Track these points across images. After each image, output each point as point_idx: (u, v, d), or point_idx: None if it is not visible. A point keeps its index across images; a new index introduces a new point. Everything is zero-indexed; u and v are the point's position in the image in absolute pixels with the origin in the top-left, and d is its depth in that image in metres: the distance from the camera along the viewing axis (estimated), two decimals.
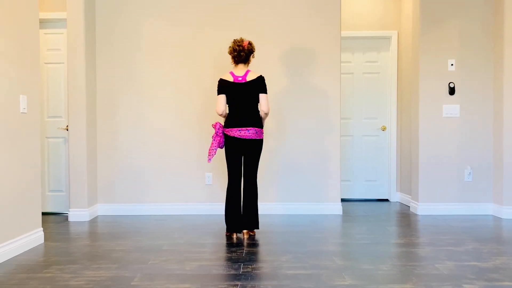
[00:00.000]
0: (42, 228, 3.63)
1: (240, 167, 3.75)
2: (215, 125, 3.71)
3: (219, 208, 4.75)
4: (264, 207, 4.74)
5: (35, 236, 3.48)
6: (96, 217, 4.64)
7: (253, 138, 3.67)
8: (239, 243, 3.54)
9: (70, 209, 4.48)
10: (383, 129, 5.69)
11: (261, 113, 3.73)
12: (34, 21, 3.49)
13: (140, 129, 4.77)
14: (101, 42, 4.75)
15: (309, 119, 4.74)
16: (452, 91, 4.69)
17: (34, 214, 3.49)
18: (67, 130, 4.62)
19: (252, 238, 3.70)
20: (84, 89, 4.44)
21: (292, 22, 4.73)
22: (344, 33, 5.54)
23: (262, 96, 3.67)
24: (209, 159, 3.72)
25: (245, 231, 3.73)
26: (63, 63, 4.74)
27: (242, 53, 3.69)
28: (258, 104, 3.72)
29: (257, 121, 3.70)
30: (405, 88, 5.45)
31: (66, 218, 4.59)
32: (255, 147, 3.72)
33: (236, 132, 3.66)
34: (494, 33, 4.67)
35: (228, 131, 3.69)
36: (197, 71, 4.76)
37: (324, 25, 4.72)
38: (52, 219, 4.54)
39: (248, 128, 3.65)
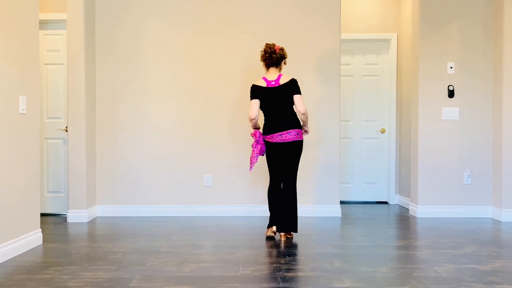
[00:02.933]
0: (40, 229, 3.63)
1: (282, 170, 3.76)
2: (255, 133, 3.73)
3: (218, 210, 4.75)
4: (264, 209, 4.73)
5: (33, 237, 3.47)
6: (95, 219, 4.63)
7: (295, 140, 3.68)
8: (238, 245, 3.54)
9: (69, 210, 4.47)
10: (383, 131, 5.69)
11: (299, 115, 3.72)
12: (34, 22, 3.49)
13: (139, 130, 4.77)
14: (101, 43, 4.75)
15: (309, 121, 4.74)
16: (451, 93, 4.70)
17: (33, 215, 3.49)
18: (67, 131, 4.62)
19: (290, 240, 3.68)
20: (83, 90, 4.44)
21: (291, 24, 4.73)
22: (344, 36, 5.54)
23: (296, 97, 3.65)
24: (251, 167, 3.74)
25: (282, 233, 3.72)
26: (62, 64, 4.74)
27: (273, 55, 3.70)
28: (294, 106, 3.71)
29: (297, 122, 3.70)
30: (405, 91, 5.46)
31: (65, 219, 4.59)
32: (296, 148, 3.71)
33: (278, 137, 3.67)
34: (493, 36, 4.68)
35: (269, 137, 3.71)
36: (198, 72, 4.76)
37: (324, 27, 4.72)
38: (51, 220, 4.53)
39: (289, 131, 3.66)
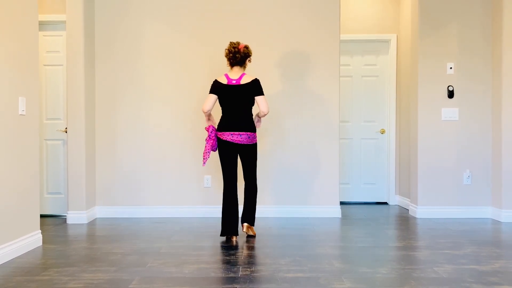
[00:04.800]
0: (40, 231, 3.62)
1: (234, 169, 3.75)
2: (208, 128, 3.72)
3: (218, 210, 4.74)
4: (263, 210, 4.73)
5: (33, 239, 3.47)
6: (94, 220, 4.62)
7: (245, 143, 3.68)
8: (237, 245, 3.54)
9: (68, 212, 4.47)
10: (382, 132, 5.69)
11: (261, 114, 3.72)
12: (33, 23, 3.49)
13: (139, 131, 4.77)
14: (101, 45, 4.75)
15: (308, 122, 4.74)
16: (451, 94, 4.70)
17: (32, 216, 3.48)
18: (66, 132, 4.62)
19: (250, 240, 3.69)
20: (83, 91, 4.44)
21: (291, 25, 4.74)
22: (343, 36, 5.54)
23: (259, 98, 3.67)
24: (204, 163, 3.73)
25: (245, 224, 3.77)
26: (62, 65, 4.74)
27: (237, 54, 3.69)
28: (252, 107, 3.72)
29: (250, 126, 3.70)
30: (404, 91, 5.46)
31: (65, 220, 4.58)
32: (249, 152, 3.74)
33: (228, 136, 3.66)
34: (493, 37, 4.69)
35: (220, 134, 3.70)
36: (197, 75, 4.76)
37: (323, 28, 4.73)
38: (50, 222, 4.52)
39: (240, 133, 3.65)
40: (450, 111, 4.72)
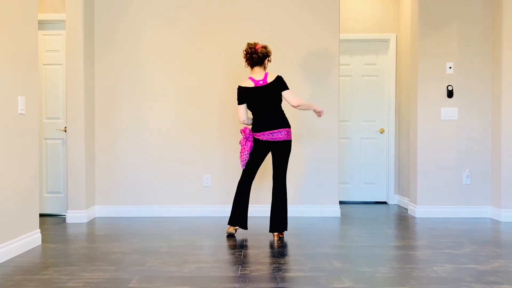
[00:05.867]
0: (39, 230, 3.62)
1: (258, 166, 3.83)
2: (244, 130, 3.76)
3: (218, 210, 4.74)
4: (262, 209, 4.73)
5: (32, 238, 3.47)
6: (94, 219, 4.62)
7: (284, 139, 3.70)
8: (237, 245, 3.54)
9: (68, 211, 4.47)
10: (382, 131, 5.70)
11: (294, 109, 3.72)
12: (33, 22, 3.49)
13: (138, 130, 4.77)
14: (100, 44, 4.75)
15: (308, 121, 4.74)
16: (450, 94, 4.70)
17: (31, 215, 3.48)
18: (65, 131, 4.61)
19: (282, 240, 3.68)
20: (82, 91, 4.43)
21: (291, 25, 4.74)
22: (343, 36, 5.54)
23: (286, 93, 3.70)
24: (243, 165, 3.77)
25: (275, 233, 3.73)
26: (61, 64, 4.74)
27: (254, 55, 3.71)
28: (281, 103, 3.76)
29: (286, 122, 3.74)
30: (404, 91, 5.46)
31: (64, 219, 4.58)
32: (285, 148, 3.74)
33: (269, 136, 3.69)
34: (492, 36, 4.69)
35: (259, 135, 3.72)
36: (197, 74, 4.76)
37: (323, 28, 4.73)
38: (50, 221, 4.52)
39: (280, 130, 3.68)
40: (449, 110, 4.72)
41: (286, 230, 3.77)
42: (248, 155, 3.76)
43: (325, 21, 4.72)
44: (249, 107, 3.77)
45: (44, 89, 4.75)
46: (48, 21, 4.69)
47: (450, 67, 4.71)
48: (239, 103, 3.76)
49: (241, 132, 3.82)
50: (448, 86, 4.72)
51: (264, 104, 3.70)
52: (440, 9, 4.70)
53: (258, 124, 3.73)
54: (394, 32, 5.63)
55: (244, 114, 3.77)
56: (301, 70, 4.73)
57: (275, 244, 3.56)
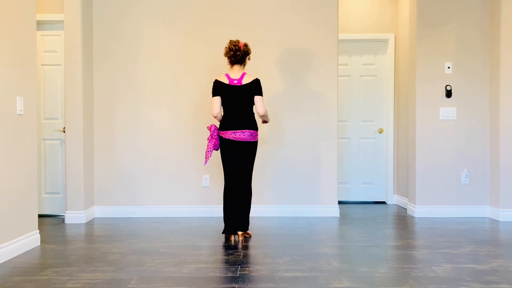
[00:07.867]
0: (38, 231, 3.61)
1: (236, 168, 3.75)
2: (210, 127, 3.73)
3: (216, 210, 4.74)
4: (261, 209, 4.73)
5: (31, 239, 3.46)
6: (93, 220, 4.62)
7: (247, 140, 3.69)
8: (236, 245, 3.54)
9: (66, 211, 4.46)
10: (380, 131, 5.70)
11: (257, 115, 3.73)
12: (31, 23, 3.48)
13: (137, 131, 4.76)
14: (99, 44, 4.74)
15: (306, 121, 4.74)
16: (449, 94, 4.71)
17: (30, 216, 3.47)
18: (64, 132, 4.61)
19: (247, 240, 3.69)
20: (81, 91, 4.43)
21: (289, 25, 4.74)
22: (342, 36, 5.55)
23: (257, 98, 3.69)
24: (206, 162, 3.76)
25: (239, 232, 3.73)
26: (60, 64, 4.73)
27: (238, 52, 3.68)
28: (254, 106, 3.73)
29: (253, 123, 3.72)
30: (402, 91, 5.47)
31: (63, 220, 4.58)
32: (250, 149, 3.74)
33: (231, 135, 3.67)
34: (490, 36, 4.69)
35: (223, 133, 3.71)
36: (195, 74, 4.75)
37: (321, 28, 4.73)
38: (49, 221, 4.52)
39: (243, 131, 3.67)
40: (448, 110, 4.73)
41: (247, 229, 3.78)
42: (211, 152, 3.73)
43: (324, 21, 4.73)
44: (222, 103, 3.74)
45: (43, 90, 4.74)
46: (46, 22, 4.69)
47: (449, 67, 4.72)
48: (214, 95, 3.72)
49: (207, 129, 3.81)
50: (446, 86, 4.72)
51: (234, 103, 3.68)
52: (438, 9, 4.71)
53: (224, 122, 3.72)
54: (392, 32, 5.63)
55: (217, 107, 3.70)
56: (299, 70, 4.73)
57: (240, 244, 3.57)
